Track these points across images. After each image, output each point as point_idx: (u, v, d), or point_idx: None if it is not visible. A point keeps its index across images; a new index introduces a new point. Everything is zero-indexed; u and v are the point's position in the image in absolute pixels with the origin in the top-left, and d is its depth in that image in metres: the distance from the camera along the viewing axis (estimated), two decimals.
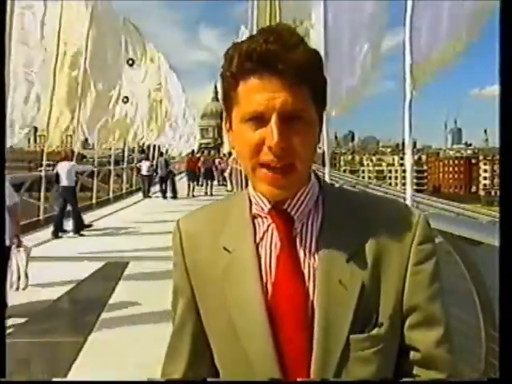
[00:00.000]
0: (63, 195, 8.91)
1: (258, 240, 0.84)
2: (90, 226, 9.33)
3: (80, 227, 8.98)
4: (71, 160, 9.36)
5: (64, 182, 8.78)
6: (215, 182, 23.02)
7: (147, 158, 18.21)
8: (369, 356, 0.78)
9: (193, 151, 23.12)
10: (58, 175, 8.89)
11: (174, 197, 16.73)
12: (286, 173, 0.76)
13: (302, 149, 0.76)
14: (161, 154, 20.12)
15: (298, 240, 0.82)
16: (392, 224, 0.83)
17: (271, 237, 0.83)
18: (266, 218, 0.84)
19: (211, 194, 18.21)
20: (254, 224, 0.85)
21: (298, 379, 0.78)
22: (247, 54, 0.74)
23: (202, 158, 20.86)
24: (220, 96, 0.84)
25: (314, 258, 0.80)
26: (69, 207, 8.91)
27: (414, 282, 0.81)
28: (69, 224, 9.00)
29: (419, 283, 0.81)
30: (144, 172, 16.96)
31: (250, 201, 0.87)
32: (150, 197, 16.79)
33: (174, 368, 0.92)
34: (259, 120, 0.75)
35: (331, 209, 0.84)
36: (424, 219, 0.84)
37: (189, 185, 18.28)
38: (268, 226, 0.84)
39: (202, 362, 0.90)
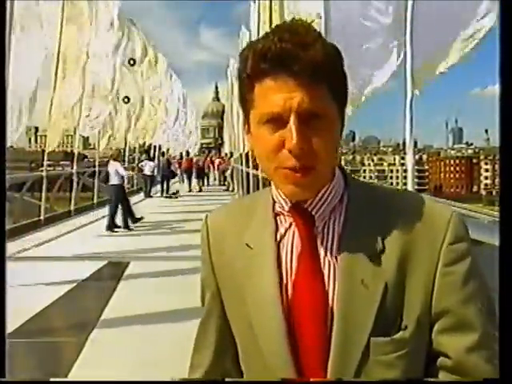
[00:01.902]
0: (110, 192, 9.81)
1: (279, 238, 0.83)
2: (141, 218, 10.01)
3: (126, 223, 9.60)
4: (120, 161, 10.34)
5: (112, 181, 9.67)
6: (216, 182, 24.16)
7: (150, 159, 18.39)
8: (392, 361, 0.75)
9: (188, 152, 24.31)
10: (107, 174, 9.89)
11: (169, 195, 17.06)
12: (306, 173, 0.74)
13: (322, 149, 0.73)
14: (162, 154, 20.56)
15: (319, 239, 0.80)
16: (421, 222, 0.78)
17: (293, 235, 0.82)
18: (288, 215, 0.83)
19: (200, 190, 20.49)
20: (276, 221, 0.84)
21: (311, 379, 0.77)
22: (261, 54, 0.72)
23: (194, 159, 22.78)
24: (238, 98, 0.82)
25: (336, 257, 0.78)
26: (116, 203, 9.57)
27: (444, 284, 0.76)
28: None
29: (450, 285, 0.76)
30: (147, 172, 17.12)
31: (273, 199, 0.86)
32: (151, 197, 16.89)
33: (201, 359, 0.93)
34: (277, 121, 0.73)
35: (356, 206, 0.81)
36: (457, 217, 0.79)
37: (188, 182, 20.46)
38: (290, 224, 0.83)
39: (227, 354, 0.90)
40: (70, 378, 3.23)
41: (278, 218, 0.84)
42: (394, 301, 0.75)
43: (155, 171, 17.31)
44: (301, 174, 0.73)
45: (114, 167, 9.72)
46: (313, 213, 0.80)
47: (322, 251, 0.80)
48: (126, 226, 9.57)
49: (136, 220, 9.90)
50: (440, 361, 0.77)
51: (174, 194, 17.42)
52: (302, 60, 0.70)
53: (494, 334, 0.76)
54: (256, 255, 0.83)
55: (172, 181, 19.18)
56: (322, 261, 0.79)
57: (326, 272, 0.78)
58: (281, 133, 0.73)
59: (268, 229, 0.84)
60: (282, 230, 0.83)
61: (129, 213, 9.77)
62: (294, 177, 0.74)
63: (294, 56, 0.70)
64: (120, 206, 9.58)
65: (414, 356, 0.76)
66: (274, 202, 0.85)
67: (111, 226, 9.41)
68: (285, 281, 0.80)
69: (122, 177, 9.78)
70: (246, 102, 0.78)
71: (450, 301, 0.76)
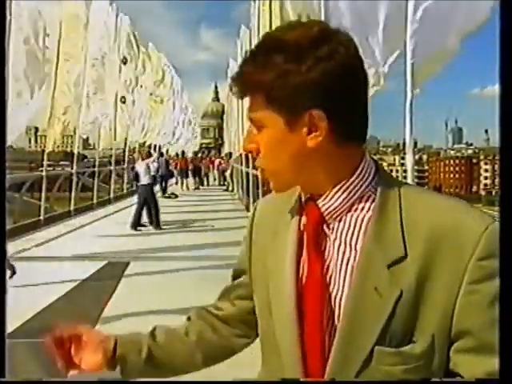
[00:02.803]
0: (140, 192, 10.01)
1: (302, 228, 0.84)
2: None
3: (158, 222, 9.71)
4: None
5: (142, 181, 9.87)
6: (216, 182, 24.43)
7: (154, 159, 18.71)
8: (397, 373, 0.73)
9: (183, 152, 25.05)
10: (137, 174, 10.02)
11: (168, 195, 17.25)
12: (262, 170, 0.82)
13: (264, 157, 0.80)
14: (161, 155, 20.75)
15: (332, 237, 0.79)
16: (450, 230, 0.72)
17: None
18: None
19: (198, 188, 21.65)
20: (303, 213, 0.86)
21: (301, 379, 0.78)
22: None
23: (189, 159, 24.47)
24: None
25: (349, 259, 0.77)
26: (144, 202, 9.74)
27: (468, 302, 0.71)
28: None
29: (475, 305, 0.71)
30: (151, 172, 17.31)
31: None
32: None
33: (221, 304, 1.01)
34: None
35: (381, 207, 0.77)
36: (493, 230, 0.72)
37: (182, 182, 21.59)
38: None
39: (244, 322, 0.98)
40: (70, 378, 3.23)
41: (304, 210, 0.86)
42: (407, 312, 0.72)
43: (159, 171, 17.54)
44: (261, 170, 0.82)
45: (142, 166, 9.88)
46: (322, 209, 0.80)
47: (335, 251, 0.79)
48: (158, 225, 9.66)
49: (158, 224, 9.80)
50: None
51: (173, 193, 17.49)
52: (237, 72, 0.78)
53: None
54: (280, 244, 0.85)
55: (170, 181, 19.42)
56: (335, 260, 0.78)
57: (336, 274, 0.78)
58: None
59: (294, 218, 0.85)
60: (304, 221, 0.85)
61: (156, 214, 9.77)
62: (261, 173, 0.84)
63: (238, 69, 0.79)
64: (150, 206, 9.69)
65: (424, 373, 0.73)
66: None
67: (136, 224, 9.48)
68: (300, 275, 0.81)
69: (154, 175, 10.06)
70: None
71: (474, 321, 0.71)
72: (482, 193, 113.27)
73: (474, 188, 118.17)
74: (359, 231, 0.78)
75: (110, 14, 12.84)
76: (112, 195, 16.02)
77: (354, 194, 0.78)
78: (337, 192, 0.78)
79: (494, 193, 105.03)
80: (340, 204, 0.78)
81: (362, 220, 0.78)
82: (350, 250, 0.77)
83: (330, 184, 0.79)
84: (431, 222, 0.74)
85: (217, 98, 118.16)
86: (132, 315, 4.42)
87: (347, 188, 0.78)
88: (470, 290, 0.71)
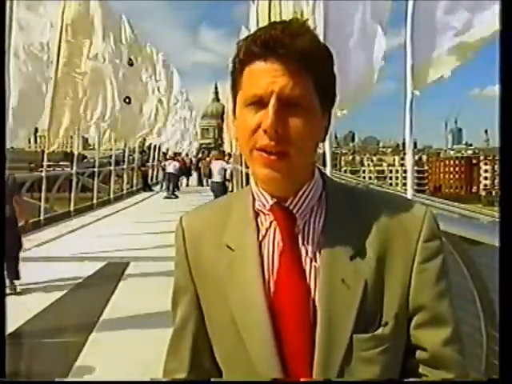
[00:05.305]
0: (214, 188, 11.01)
1: (260, 237, 0.83)
2: None
3: None
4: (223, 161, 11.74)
5: (215, 178, 10.93)
6: None
7: (173, 158, 19.96)
8: (373, 356, 0.77)
9: (180, 153, 25.53)
10: (210, 172, 11.45)
11: (169, 196, 17.35)
12: (281, 158, 0.75)
13: (298, 137, 0.75)
14: (175, 154, 21.76)
15: (300, 237, 0.81)
16: (397, 221, 0.81)
17: (274, 234, 0.83)
18: (268, 214, 0.84)
19: (187, 185, 22.85)
20: (256, 221, 0.85)
21: (302, 379, 0.78)
22: (253, 40, 0.76)
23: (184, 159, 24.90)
24: (230, 85, 0.84)
25: (317, 256, 0.80)
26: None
27: (419, 280, 0.79)
28: None
29: (425, 281, 0.79)
30: (171, 170, 17.78)
31: (253, 197, 0.86)
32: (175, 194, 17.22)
33: (178, 365, 0.92)
34: (260, 104, 0.75)
35: (334, 206, 0.83)
36: (430, 216, 0.82)
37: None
38: (270, 223, 0.83)
39: (205, 359, 0.90)
40: (70, 378, 3.23)
41: (258, 217, 0.85)
42: (374, 298, 0.77)
43: (177, 170, 18.50)
44: (275, 157, 0.75)
45: (217, 166, 10.83)
46: (294, 211, 0.82)
47: (303, 249, 0.81)
48: None
49: None
50: (417, 354, 0.80)
51: (173, 194, 17.52)
52: (290, 47, 0.73)
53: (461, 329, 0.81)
54: (238, 256, 0.83)
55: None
56: (304, 259, 0.80)
57: (307, 270, 0.80)
58: (260, 114, 0.75)
59: (248, 229, 0.84)
60: (262, 230, 0.84)
61: None
62: (268, 160, 0.75)
63: (283, 42, 0.73)
64: None
65: (393, 351, 0.79)
66: (254, 200, 0.85)
67: None
68: (267, 279, 0.81)
69: (225, 175, 10.97)
70: (235, 86, 0.81)
71: (426, 296, 0.79)
72: (482, 193, 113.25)
73: (474, 188, 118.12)
74: (320, 231, 0.81)
75: (113, 15, 12.84)
76: (112, 195, 16.02)
77: (315, 196, 0.83)
78: (304, 193, 0.82)
79: (493, 193, 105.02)
80: (307, 205, 0.82)
81: (319, 220, 0.82)
82: (317, 249, 0.80)
83: (299, 180, 0.82)
84: (380, 213, 0.81)
85: (217, 99, 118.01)
86: (132, 315, 4.42)
87: (311, 189, 0.83)
88: (421, 269, 0.79)
